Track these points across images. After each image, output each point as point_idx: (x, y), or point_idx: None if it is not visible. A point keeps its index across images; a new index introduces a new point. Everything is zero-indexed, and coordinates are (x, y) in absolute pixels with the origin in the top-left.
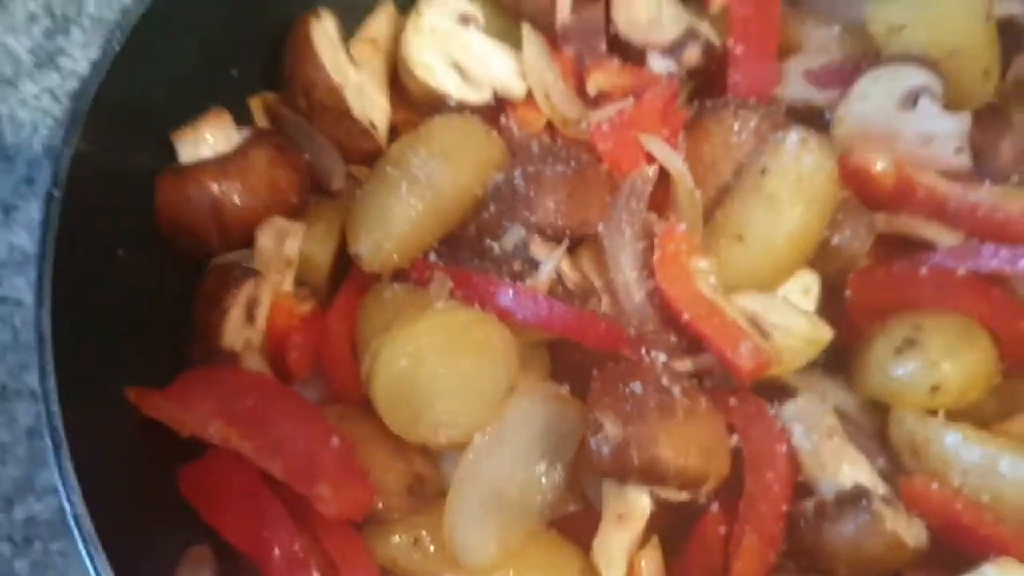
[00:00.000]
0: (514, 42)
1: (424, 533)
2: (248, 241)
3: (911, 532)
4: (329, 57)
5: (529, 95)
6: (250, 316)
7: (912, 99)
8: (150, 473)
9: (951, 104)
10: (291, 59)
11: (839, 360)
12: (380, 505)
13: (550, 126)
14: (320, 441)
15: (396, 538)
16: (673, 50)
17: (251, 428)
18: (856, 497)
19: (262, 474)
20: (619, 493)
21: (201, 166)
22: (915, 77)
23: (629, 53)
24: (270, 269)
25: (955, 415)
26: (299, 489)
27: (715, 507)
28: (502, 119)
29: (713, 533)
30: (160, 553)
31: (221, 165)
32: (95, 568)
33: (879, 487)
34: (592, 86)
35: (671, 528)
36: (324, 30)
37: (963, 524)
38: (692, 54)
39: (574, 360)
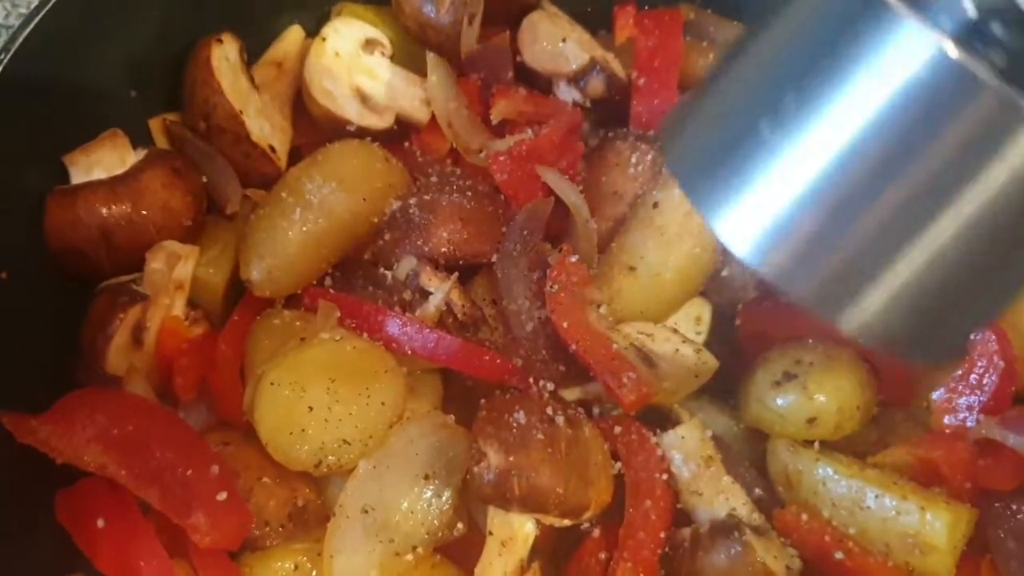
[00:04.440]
0: (420, 68)
1: (304, 559)
2: (140, 263)
3: (781, 562)
4: (229, 82)
5: (433, 121)
6: (137, 340)
7: None
8: (27, 498)
9: None
10: (191, 83)
11: (729, 386)
12: (260, 532)
13: (454, 152)
14: (199, 469)
15: (276, 564)
16: (577, 80)
17: (130, 455)
18: (729, 527)
19: (137, 500)
20: (503, 519)
21: (91, 187)
22: None
23: (536, 82)
24: (159, 293)
25: (833, 445)
26: (175, 519)
27: (596, 532)
28: (406, 144)
29: (594, 558)
30: None
31: (112, 187)
32: None
33: (753, 516)
34: (496, 114)
35: (554, 552)
36: (225, 55)
37: (832, 555)
38: (596, 84)
39: (466, 386)
